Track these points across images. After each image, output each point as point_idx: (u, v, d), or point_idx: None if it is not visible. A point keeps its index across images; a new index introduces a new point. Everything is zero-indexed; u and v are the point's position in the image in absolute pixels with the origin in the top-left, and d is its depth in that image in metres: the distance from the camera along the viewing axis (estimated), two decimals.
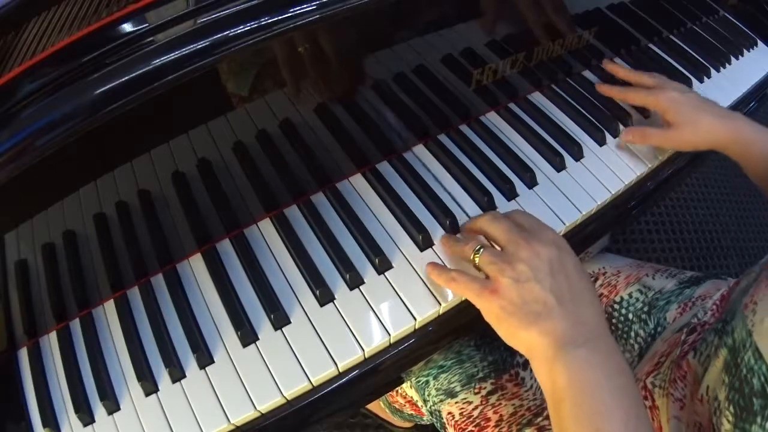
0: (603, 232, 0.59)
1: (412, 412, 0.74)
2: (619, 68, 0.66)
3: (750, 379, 0.35)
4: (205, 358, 0.45)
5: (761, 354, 0.34)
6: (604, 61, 0.68)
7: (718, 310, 0.49)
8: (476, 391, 0.58)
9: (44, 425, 0.45)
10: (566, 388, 0.38)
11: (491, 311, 0.42)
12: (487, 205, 0.53)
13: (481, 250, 0.44)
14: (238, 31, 0.38)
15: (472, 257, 0.45)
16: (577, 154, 0.60)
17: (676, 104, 0.58)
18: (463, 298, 0.48)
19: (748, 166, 0.57)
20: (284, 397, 0.44)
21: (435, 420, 0.62)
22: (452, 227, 0.51)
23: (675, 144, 0.59)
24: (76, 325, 0.49)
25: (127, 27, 0.37)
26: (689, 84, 0.72)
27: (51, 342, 0.49)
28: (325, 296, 0.47)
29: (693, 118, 0.57)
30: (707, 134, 0.56)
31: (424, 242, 0.50)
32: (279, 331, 0.46)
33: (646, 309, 0.61)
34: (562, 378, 0.38)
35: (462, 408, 0.58)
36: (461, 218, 0.53)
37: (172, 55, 0.37)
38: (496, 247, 0.45)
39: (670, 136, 0.58)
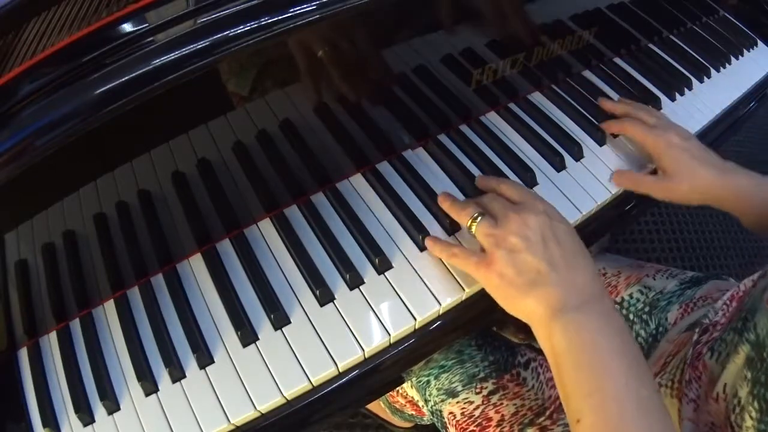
0: (603, 232, 0.59)
1: (413, 413, 0.74)
2: (615, 105, 0.62)
3: None
4: (205, 358, 0.45)
5: None
6: (600, 99, 0.63)
7: (728, 310, 0.49)
8: (477, 390, 0.58)
9: (44, 425, 0.45)
10: (565, 352, 0.39)
11: (490, 282, 0.44)
12: None
13: (479, 218, 0.46)
14: (238, 31, 0.38)
15: (468, 224, 0.46)
16: (577, 154, 0.59)
17: (676, 151, 0.54)
18: (463, 298, 0.48)
19: (746, 218, 0.53)
20: (284, 397, 0.44)
21: (436, 420, 0.62)
22: (452, 227, 0.51)
23: (668, 196, 0.54)
24: (76, 325, 0.49)
25: (127, 27, 0.37)
26: (689, 84, 0.72)
27: (51, 342, 0.49)
28: (325, 296, 0.47)
29: (691, 171, 0.52)
30: (705, 191, 0.53)
31: (424, 242, 0.50)
32: (279, 331, 0.46)
33: (647, 309, 0.61)
34: (561, 342, 0.39)
35: (463, 408, 0.58)
36: None
37: (172, 55, 0.37)
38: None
39: (665, 187, 0.54)
